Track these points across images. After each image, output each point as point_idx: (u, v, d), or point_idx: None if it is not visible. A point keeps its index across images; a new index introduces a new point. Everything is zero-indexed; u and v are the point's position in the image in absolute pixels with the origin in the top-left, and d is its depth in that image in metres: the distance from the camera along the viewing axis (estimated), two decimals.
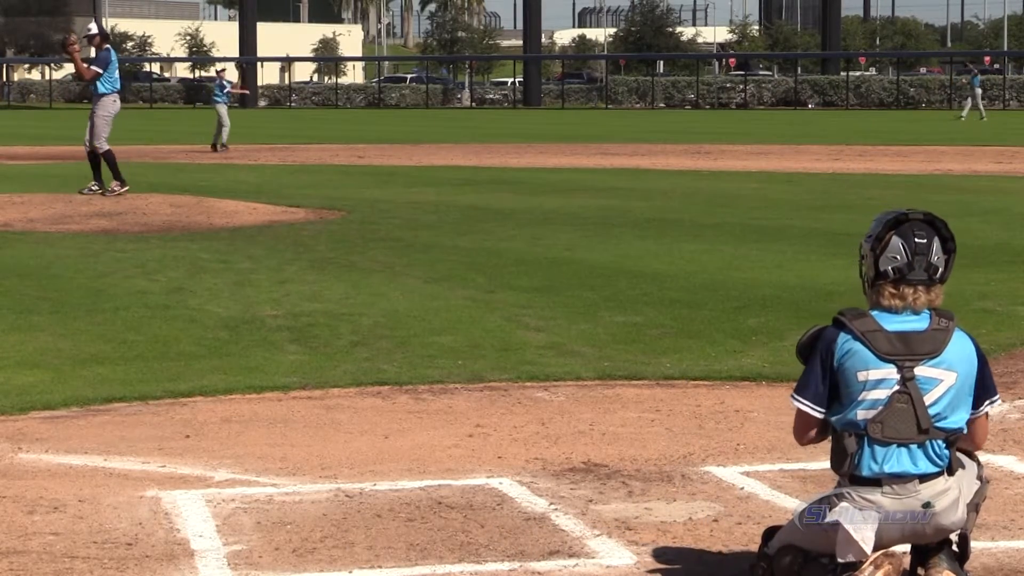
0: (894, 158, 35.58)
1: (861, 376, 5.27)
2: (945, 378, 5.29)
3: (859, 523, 5.24)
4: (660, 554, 6.02)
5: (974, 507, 5.38)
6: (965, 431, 5.37)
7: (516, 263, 15.29)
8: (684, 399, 9.06)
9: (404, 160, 35.83)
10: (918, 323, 5.32)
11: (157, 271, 14.73)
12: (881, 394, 5.26)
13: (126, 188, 21.90)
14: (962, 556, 5.38)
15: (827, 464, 5.51)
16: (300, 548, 6.12)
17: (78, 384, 9.38)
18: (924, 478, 5.28)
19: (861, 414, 5.28)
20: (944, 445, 5.30)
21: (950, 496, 5.31)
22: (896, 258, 5.32)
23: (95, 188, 21.97)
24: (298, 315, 11.97)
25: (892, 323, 5.32)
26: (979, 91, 67.15)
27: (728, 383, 9.53)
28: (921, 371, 5.28)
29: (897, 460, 5.27)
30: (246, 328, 11.43)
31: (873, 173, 30.04)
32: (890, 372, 5.27)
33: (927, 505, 5.27)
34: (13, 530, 6.36)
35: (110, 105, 21.74)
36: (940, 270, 5.35)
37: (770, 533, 5.56)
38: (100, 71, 21.56)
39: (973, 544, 5.91)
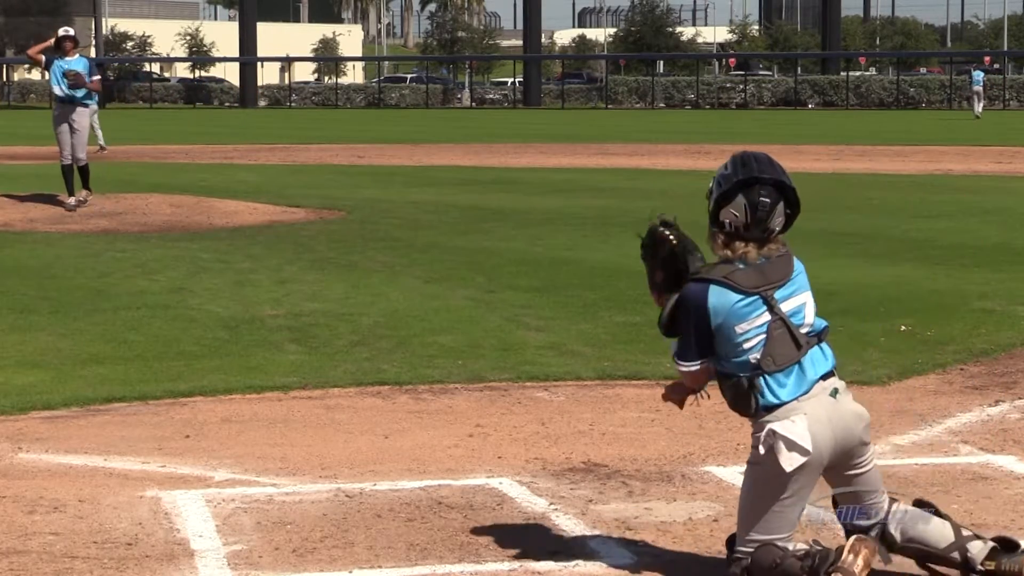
0: (894, 158, 35.57)
1: (740, 328, 5.43)
2: (801, 299, 5.51)
3: (789, 426, 5.37)
4: (660, 554, 6.02)
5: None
6: (826, 324, 5.56)
7: (516, 263, 15.29)
8: None
9: (404, 160, 35.81)
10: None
11: (157, 271, 14.73)
12: (760, 331, 5.42)
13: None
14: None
15: None
16: (300, 548, 6.12)
17: (78, 384, 9.38)
18: (826, 376, 5.47)
19: (753, 357, 5.43)
20: (820, 345, 5.50)
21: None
22: (736, 215, 5.54)
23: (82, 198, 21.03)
24: (298, 315, 11.97)
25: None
26: (978, 89, 67.06)
27: None
28: (782, 302, 5.45)
29: (797, 379, 5.41)
30: (246, 328, 11.43)
31: (873, 173, 30.03)
32: (757, 304, 5.43)
33: (834, 392, 5.44)
34: (13, 530, 6.36)
35: (89, 116, 21.14)
36: (777, 230, 5.58)
37: (731, 542, 5.57)
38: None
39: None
